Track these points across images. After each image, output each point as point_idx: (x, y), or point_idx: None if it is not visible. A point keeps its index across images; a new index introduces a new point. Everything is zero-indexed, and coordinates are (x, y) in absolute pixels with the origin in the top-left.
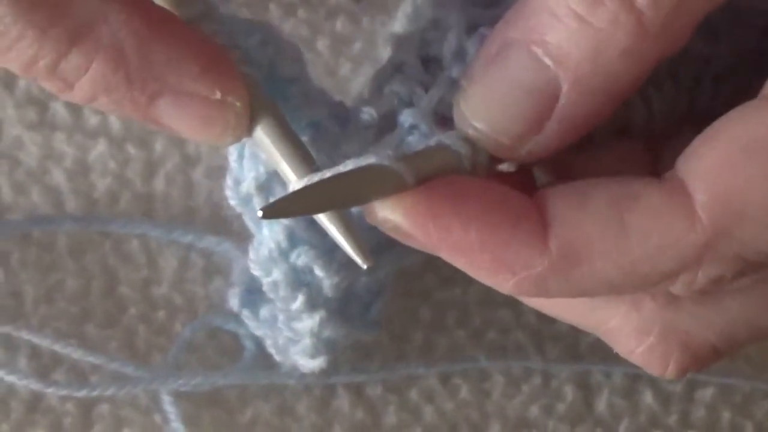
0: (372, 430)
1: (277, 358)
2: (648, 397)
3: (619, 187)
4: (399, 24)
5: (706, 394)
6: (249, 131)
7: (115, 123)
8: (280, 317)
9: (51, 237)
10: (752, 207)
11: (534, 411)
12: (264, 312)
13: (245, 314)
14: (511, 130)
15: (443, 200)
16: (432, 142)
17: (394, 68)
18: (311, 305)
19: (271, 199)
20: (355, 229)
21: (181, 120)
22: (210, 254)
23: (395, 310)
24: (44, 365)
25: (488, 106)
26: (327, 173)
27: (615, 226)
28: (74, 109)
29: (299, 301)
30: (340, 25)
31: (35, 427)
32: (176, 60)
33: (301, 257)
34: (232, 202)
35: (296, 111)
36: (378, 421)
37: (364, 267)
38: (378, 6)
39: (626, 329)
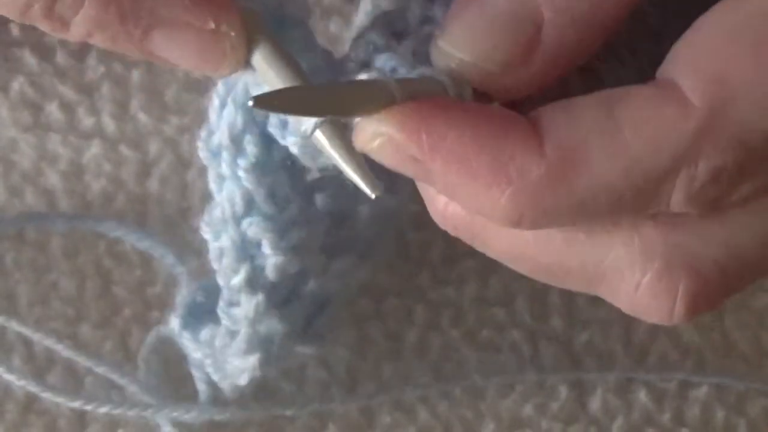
0: (366, 430)
1: (216, 378)
2: (642, 396)
3: (607, 91)
4: (359, 20)
5: (700, 392)
6: (245, 61)
7: (109, 124)
8: (220, 303)
9: (45, 238)
10: (743, 84)
11: (528, 410)
12: (204, 334)
13: (185, 336)
14: (497, 57)
15: (435, 109)
16: (414, 74)
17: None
18: (251, 285)
19: (242, 159)
20: (363, 159)
21: (176, 51)
22: (205, 253)
23: (389, 308)
24: (39, 366)
25: (472, 36)
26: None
27: (608, 124)
28: (68, 110)
29: (241, 275)
30: (333, 26)
31: (30, 428)
32: None
33: (252, 227)
34: (202, 154)
35: (297, 55)
36: (372, 420)
37: (373, 196)
38: None
39: (627, 259)
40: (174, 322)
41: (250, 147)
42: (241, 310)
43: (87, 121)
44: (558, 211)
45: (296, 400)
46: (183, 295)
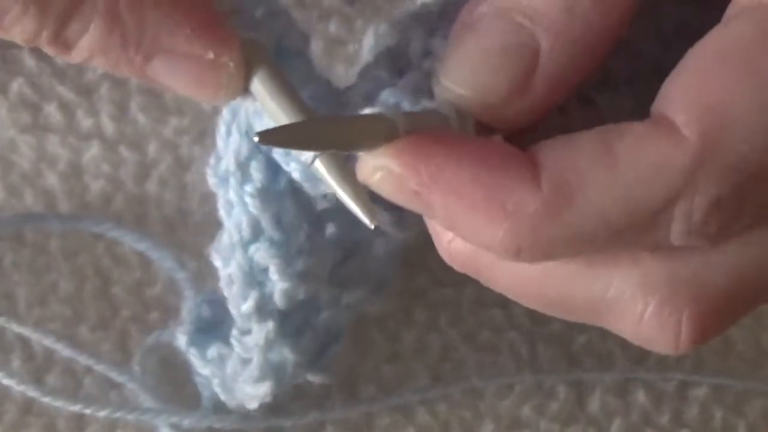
0: (365, 431)
1: (223, 397)
2: (640, 396)
3: (604, 127)
4: (364, 55)
5: (699, 393)
6: (244, 90)
7: (108, 126)
8: (233, 332)
9: (44, 239)
10: (732, 112)
11: (526, 411)
12: (212, 351)
13: (192, 353)
14: (497, 89)
15: (433, 143)
16: (418, 108)
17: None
18: (260, 312)
19: (248, 185)
20: (363, 188)
21: (175, 79)
22: (203, 255)
23: (389, 309)
24: (38, 367)
25: (471, 70)
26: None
27: (604, 156)
28: (67, 111)
29: (250, 301)
30: (333, 27)
31: (28, 429)
32: (169, 22)
33: (259, 252)
34: (211, 181)
35: (297, 85)
36: (371, 421)
37: (371, 225)
38: (372, 8)
39: (629, 291)
40: (181, 339)
41: (256, 173)
42: (253, 338)
43: (86, 122)
44: (556, 244)
45: (296, 402)
46: (188, 309)
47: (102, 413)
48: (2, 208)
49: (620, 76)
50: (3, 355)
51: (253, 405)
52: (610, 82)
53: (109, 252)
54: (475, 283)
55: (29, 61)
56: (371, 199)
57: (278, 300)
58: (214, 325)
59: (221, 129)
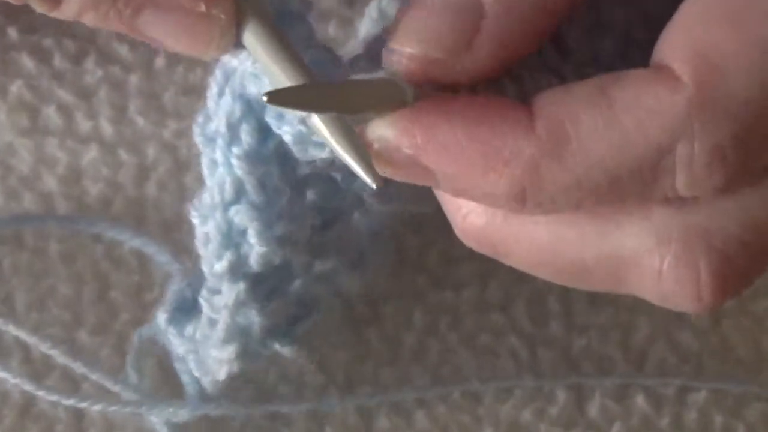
0: None
1: (197, 373)
2: (640, 401)
3: (601, 76)
4: (365, 27)
5: (699, 397)
6: (235, 45)
7: (107, 129)
8: (203, 291)
9: (43, 242)
10: (726, 58)
11: (526, 415)
12: (189, 329)
13: (170, 332)
14: (442, 44)
15: (425, 105)
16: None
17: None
18: (234, 273)
19: (236, 146)
20: (365, 147)
21: (164, 31)
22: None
23: (388, 313)
24: (36, 371)
25: (415, 29)
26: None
27: (600, 101)
28: (66, 114)
29: (224, 261)
30: (332, 29)
31: None
32: None
33: (239, 214)
34: (197, 139)
35: (299, 50)
36: (370, 425)
37: (374, 186)
38: None
39: (644, 246)
40: (160, 317)
41: (245, 135)
42: (222, 298)
43: (85, 125)
44: (558, 189)
45: (294, 401)
46: (173, 290)
47: (96, 407)
48: (1, 211)
49: (608, 57)
50: (2, 358)
51: (221, 374)
52: (599, 65)
53: (107, 256)
54: (474, 286)
55: (28, 64)
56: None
57: (254, 263)
58: (195, 307)
59: (212, 89)
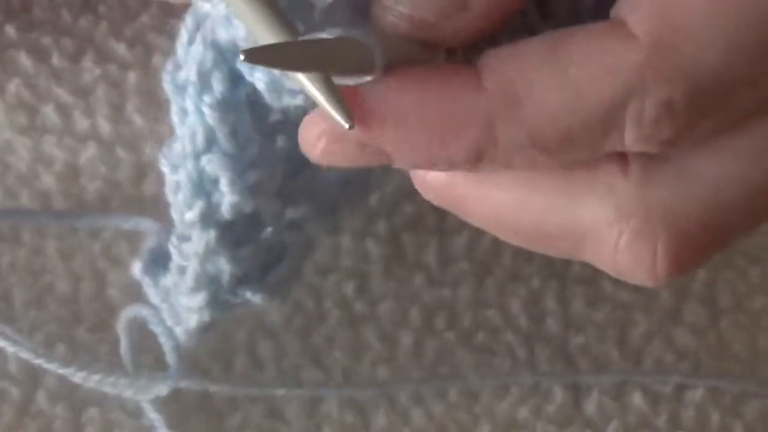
0: None
1: (170, 323)
2: (637, 398)
3: (554, 31)
4: None
5: (696, 395)
6: None
7: (104, 127)
8: (172, 239)
9: (40, 240)
10: (687, 17)
11: (523, 413)
12: (164, 281)
13: (146, 282)
14: (436, 5)
15: (374, 84)
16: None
17: None
18: (205, 221)
19: (207, 95)
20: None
21: None
22: None
23: (384, 311)
24: (34, 368)
25: None
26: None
27: (551, 56)
28: (64, 113)
29: (195, 210)
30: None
31: (25, 430)
32: None
33: (211, 163)
34: (166, 87)
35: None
36: (367, 423)
37: (346, 126)
38: None
39: (605, 219)
40: (136, 267)
41: (217, 84)
42: (192, 245)
43: (82, 123)
44: (512, 147)
45: (291, 402)
46: (148, 245)
47: (61, 370)
48: None
49: (589, 16)
50: (1, 357)
51: (192, 322)
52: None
53: (105, 253)
54: (471, 283)
55: (26, 63)
56: None
57: (225, 211)
58: (171, 258)
59: (183, 37)
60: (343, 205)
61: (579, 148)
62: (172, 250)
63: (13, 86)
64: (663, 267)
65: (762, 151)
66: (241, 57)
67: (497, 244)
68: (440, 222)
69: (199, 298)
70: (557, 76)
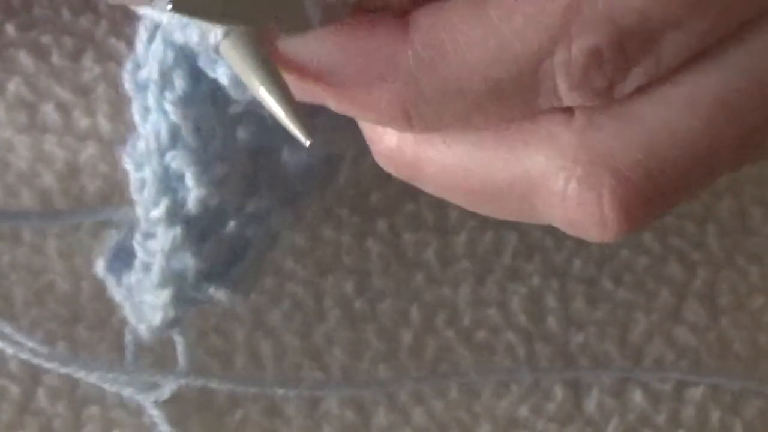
0: (361, 431)
1: (133, 320)
2: (637, 396)
3: None
4: None
5: (696, 393)
6: None
7: (105, 125)
8: (137, 236)
9: (41, 239)
10: None
11: (523, 411)
12: (126, 278)
13: (109, 280)
14: None
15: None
16: None
17: None
18: (171, 217)
19: (169, 92)
20: (297, 103)
21: None
22: None
23: (385, 309)
24: (35, 366)
25: None
26: None
27: (477, 10)
28: (64, 111)
29: (161, 207)
30: None
31: (25, 428)
32: None
33: (176, 160)
34: (127, 86)
35: None
36: (367, 421)
37: (306, 143)
38: None
39: (551, 169)
40: (99, 265)
41: (179, 81)
42: (157, 242)
43: (83, 122)
44: (440, 102)
45: (291, 400)
46: (112, 239)
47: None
48: None
49: None
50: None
51: (156, 319)
52: None
53: (106, 252)
54: (471, 282)
55: (26, 61)
56: None
57: (192, 206)
58: (134, 255)
59: (142, 35)
60: (304, 196)
61: (512, 102)
62: (136, 247)
63: (13, 85)
64: (611, 216)
65: (695, 99)
66: (168, 6)
67: (497, 242)
68: (440, 221)
69: (165, 295)
70: (483, 27)
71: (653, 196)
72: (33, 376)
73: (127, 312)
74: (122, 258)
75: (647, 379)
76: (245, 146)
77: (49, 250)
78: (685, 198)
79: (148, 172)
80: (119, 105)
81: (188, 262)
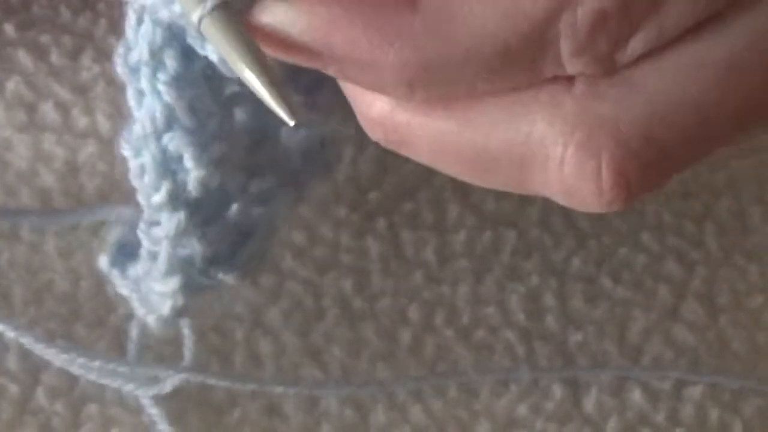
0: (360, 430)
1: (141, 312)
2: (636, 395)
3: None
4: None
5: (695, 391)
6: None
7: (104, 124)
8: (141, 225)
9: (39, 237)
10: None
11: (522, 410)
12: (132, 271)
13: (114, 274)
14: None
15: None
16: None
17: None
18: (173, 202)
19: (162, 73)
20: (282, 83)
21: None
22: None
23: (383, 308)
24: (34, 364)
25: None
26: None
27: None
28: (63, 110)
29: (162, 191)
30: None
31: (24, 427)
32: None
33: (173, 141)
34: (120, 70)
35: None
36: (366, 420)
37: (291, 123)
38: None
39: (550, 134)
40: (102, 261)
41: (170, 61)
42: (162, 229)
43: (82, 121)
44: (448, 65)
45: (290, 399)
46: (115, 232)
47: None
48: None
49: None
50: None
51: (165, 309)
52: None
53: (104, 250)
54: (470, 280)
55: (25, 60)
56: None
57: (193, 188)
58: (138, 247)
59: (131, 18)
60: (306, 176)
61: (518, 67)
62: (141, 236)
63: (13, 84)
64: (609, 185)
65: (697, 67)
66: None
67: (496, 241)
68: (439, 219)
69: (173, 282)
70: None
71: (652, 165)
72: (32, 374)
73: (134, 304)
74: (126, 251)
75: (646, 377)
76: (243, 126)
77: (48, 249)
78: (685, 166)
79: (146, 157)
80: (118, 104)
81: (194, 247)
